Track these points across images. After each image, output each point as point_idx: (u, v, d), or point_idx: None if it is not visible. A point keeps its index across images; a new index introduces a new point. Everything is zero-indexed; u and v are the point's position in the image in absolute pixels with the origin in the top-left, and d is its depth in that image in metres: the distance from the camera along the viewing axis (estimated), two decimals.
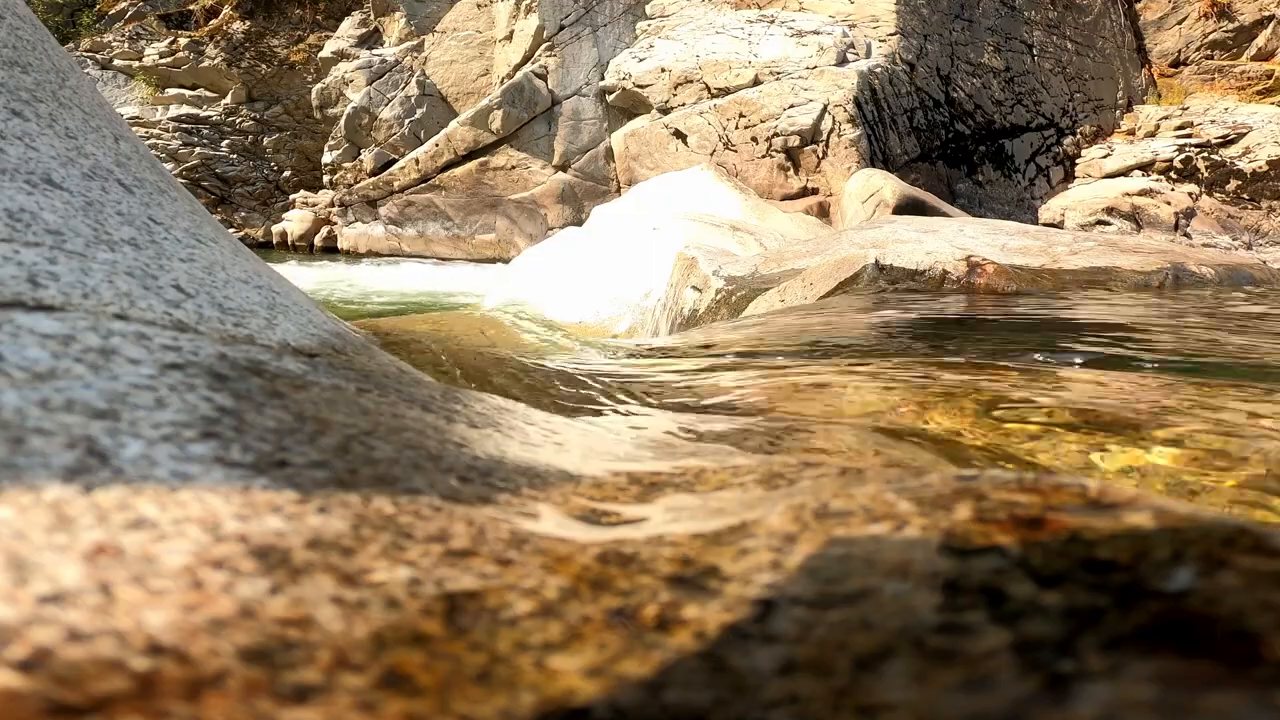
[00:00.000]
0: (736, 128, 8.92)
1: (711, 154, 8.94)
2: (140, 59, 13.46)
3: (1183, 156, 9.71)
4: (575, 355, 2.51)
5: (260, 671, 0.28)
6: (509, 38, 10.58)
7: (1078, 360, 1.68)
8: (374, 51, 11.74)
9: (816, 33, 9.15)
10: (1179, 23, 11.33)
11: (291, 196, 12.99)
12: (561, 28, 10.37)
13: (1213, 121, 9.97)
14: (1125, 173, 9.95)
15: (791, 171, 8.64)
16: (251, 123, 13.58)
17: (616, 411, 1.18)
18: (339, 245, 11.90)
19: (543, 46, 10.35)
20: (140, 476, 0.40)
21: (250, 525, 0.38)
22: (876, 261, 2.93)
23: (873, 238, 3.80)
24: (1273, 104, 10.18)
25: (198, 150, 13.47)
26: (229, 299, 0.75)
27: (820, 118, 8.49)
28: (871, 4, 9.37)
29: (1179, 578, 0.31)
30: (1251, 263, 4.14)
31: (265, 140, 13.57)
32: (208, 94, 13.62)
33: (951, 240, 3.57)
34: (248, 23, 13.21)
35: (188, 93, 13.61)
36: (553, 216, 10.52)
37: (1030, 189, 10.10)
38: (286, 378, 0.61)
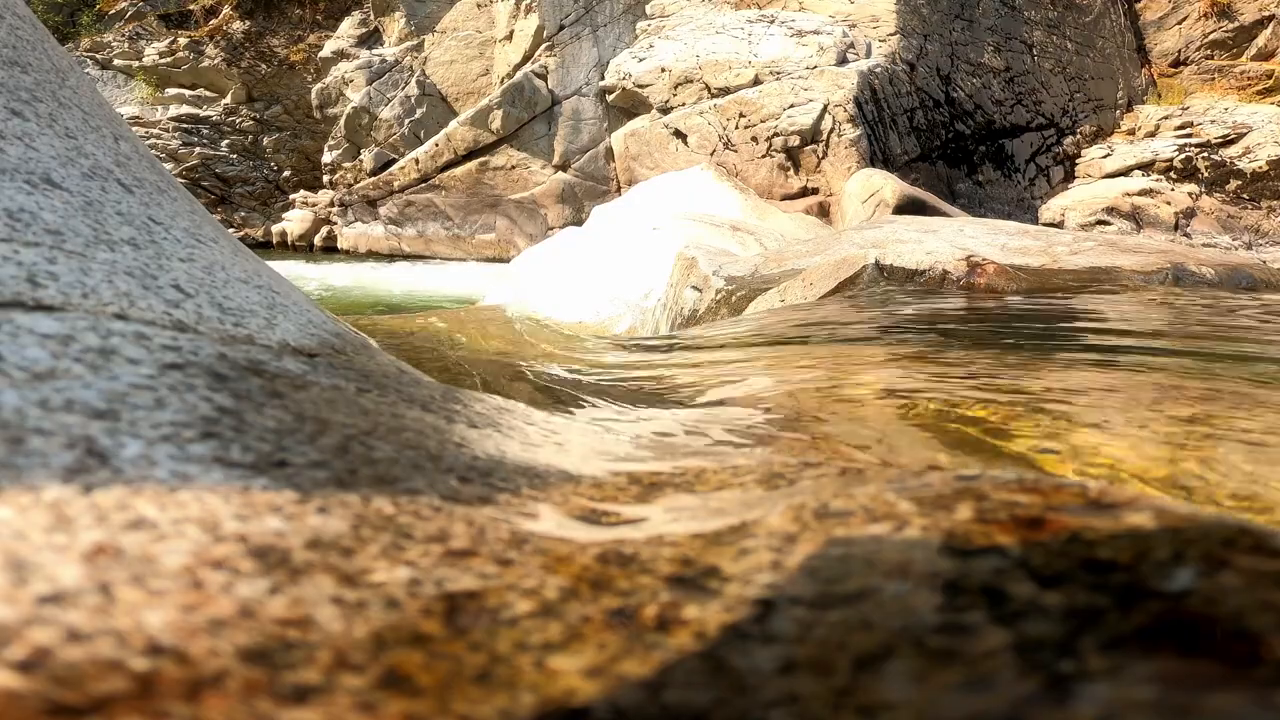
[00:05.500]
0: (736, 127, 8.92)
1: (711, 154, 8.94)
2: (140, 59, 13.45)
3: (1183, 156, 9.71)
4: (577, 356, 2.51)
5: (260, 672, 0.28)
6: (509, 37, 10.58)
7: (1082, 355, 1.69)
8: (374, 51, 11.74)
9: (816, 32, 9.15)
10: (1179, 22, 11.33)
11: (291, 196, 12.99)
12: (561, 27, 10.37)
13: (1213, 121, 9.97)
14: (1125, 173, 9.95)
15: (792, 171, 8.64)
16: (251, 123, 13.58)
17: (617, 410, 1.18)
18: (339, 245, 11.91)
19: (543, 46, 10.36)
20: (140, 477, 0.40)
21: (250, 525, 0.37)
22: (877, 261, 2.93)
23: (873, 238, 3.80)
24: (1273, 104, 10.18)
25: (197, 150, 13.46)
26: (229, 299, 0.75)
27: (820, 117, 8.49)
28: (871, 4, 9.37)
29: (1179, 578, 0.31)
30: (1252, 263, 4.13)
31: (265, 140, 13.57)
32: (207, 94, 13.61)
33: (951, 240, 3.57)
34: (247, 22, 13.20)
35: (187, 92, 13.61)
36: (553, 216, 10.52)
37: (1030, 189, 10.10)
38: (286, 378, 0.61)
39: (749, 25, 9.60)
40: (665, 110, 9.52)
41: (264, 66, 13.28)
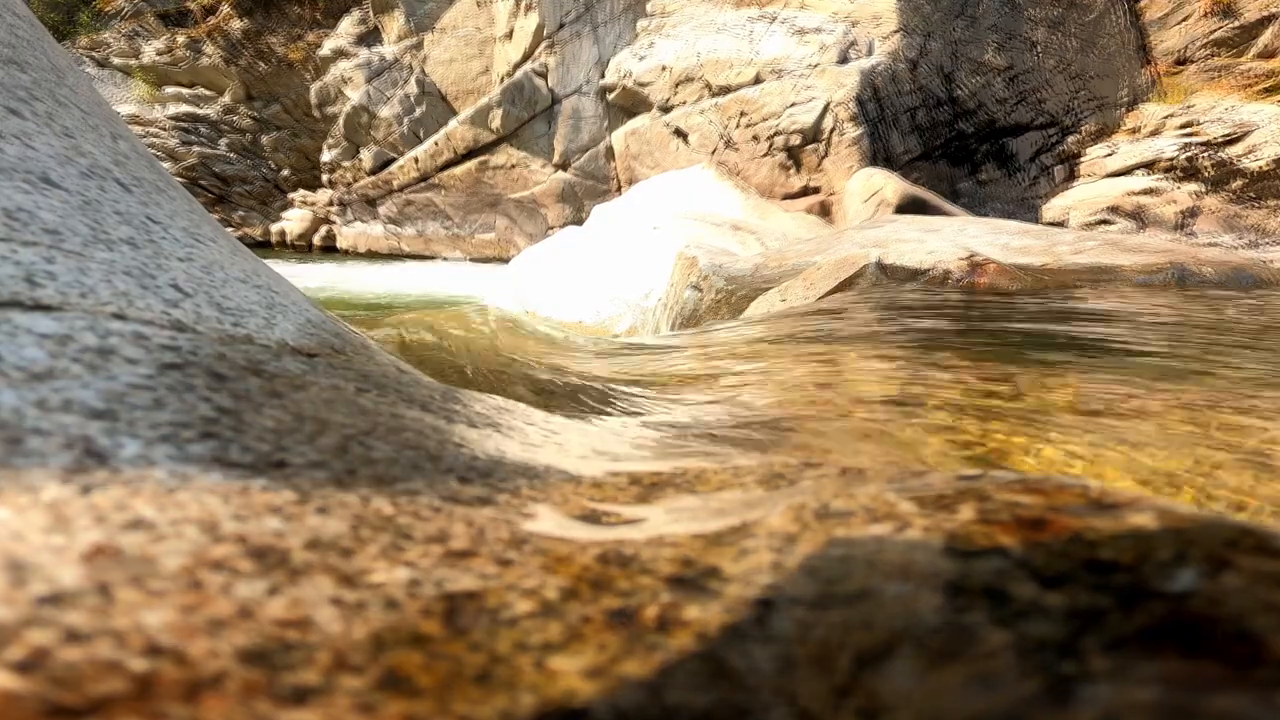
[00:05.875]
0: (738, 126, 8.91)
1: (712, 153, 8.94)
2: (138, 57, 13.45)
3: (1186, 155, 9.70)
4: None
5: (259, 673, 0.28)
6: (509, 36, 10.57)
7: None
8: (373, 50, 11.74)
9: (818, 31, 9.14)
10: (1181, 21, 11.32)
11: (290, 195, 12.99)
12: (561, 26, 10.36)
13: (1216, 120, 9.96)
14: (1128, 172, 9.94)
15: (793, 170, 8.63)
16: (250, 121, 13.57)
17: (616, 410, 1.18)
18: (338, 244, 11.91)
19: (543, 45, 10.35)
20: (138, 477, 0.39)
21: (249, 526, 0.37)
22: (878, 261, 2.92)
23: (874, 237, 3.80)
24: (1276, 103, 10.17)
25: (196, 149, 13.46)
26: (227, 298, 0.75)
27: (822, 116, 8.48)
28: (873, 2, 9.36)
29: (1182, 579, 0.31)
30: (1253, 263, 4.13)
31: (264, 139, 13.56)
32: (206, 92, 13.61)
33: (953, 239, 3.57)
34: (246, 21, 13.19)
35: (186, 91, 13.61)
36: (553, 215, 10.52)
37: (1033, 188, 10.10)
38: (285, 377, 0.60)
39: (750, 24, 9.59)
40: (666, 109, 9.51)
41: (263, 65, 13.27)
